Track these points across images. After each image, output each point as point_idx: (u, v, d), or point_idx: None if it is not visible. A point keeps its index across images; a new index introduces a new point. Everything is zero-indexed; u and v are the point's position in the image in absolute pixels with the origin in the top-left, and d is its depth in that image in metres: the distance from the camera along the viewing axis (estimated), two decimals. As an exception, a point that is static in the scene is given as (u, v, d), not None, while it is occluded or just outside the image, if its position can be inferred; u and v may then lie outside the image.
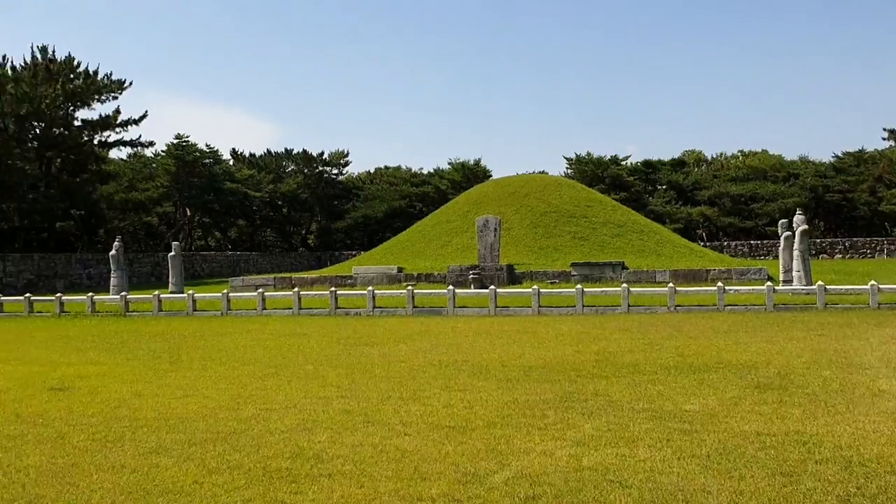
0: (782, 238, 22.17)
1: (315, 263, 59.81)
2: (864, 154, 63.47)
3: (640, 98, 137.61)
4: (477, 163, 69.13)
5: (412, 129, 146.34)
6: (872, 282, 18.34)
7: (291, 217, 69.24)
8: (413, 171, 75.21)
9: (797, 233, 21.34)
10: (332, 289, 21.58)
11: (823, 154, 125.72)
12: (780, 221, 23.02)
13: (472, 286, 25.14)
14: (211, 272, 52.14)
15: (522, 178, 41.96)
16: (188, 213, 58.87)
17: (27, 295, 24.53)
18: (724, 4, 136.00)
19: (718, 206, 64.64)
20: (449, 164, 71.07)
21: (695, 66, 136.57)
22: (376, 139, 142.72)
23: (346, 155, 70.62)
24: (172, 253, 28.52)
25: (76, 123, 45.51)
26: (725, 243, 59.01)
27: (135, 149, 50.94)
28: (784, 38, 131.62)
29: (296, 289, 22.14)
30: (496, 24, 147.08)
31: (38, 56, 43.91)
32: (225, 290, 22.88)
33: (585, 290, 19.66)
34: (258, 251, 63.57)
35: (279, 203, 66.02)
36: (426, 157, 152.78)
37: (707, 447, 5.99)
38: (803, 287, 20.02)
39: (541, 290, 19.65)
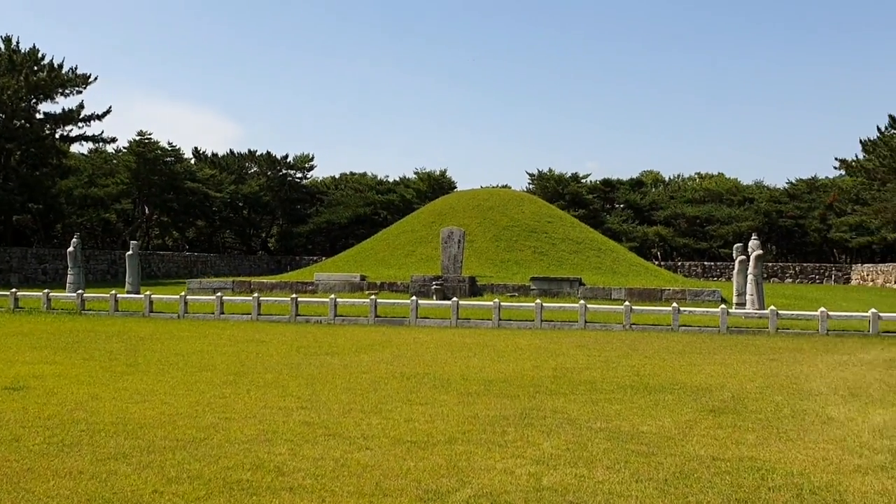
0: (737, 261, 22.58)
1: (275, 268, 59.33)
2: (817, 182, 65.08)
3: (602, 116, 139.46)
4: (443, 174, 69.41)
5: (379, 137, 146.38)
6: (822, 308, 18.75)
7: (252, 219, 68.62)
8: (379, 178, 75.19)
9: (752, 257, 21.75)
10: (293, 295, 21.41)
11: (778, 180, 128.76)
12: (736, 245, 23.44)
13: (435, 297, 25.17)
14: (167, 272, 51.39)
15: (486, 192, 42.21)
16: (147, 211, 58.00)
17: (-20, 289, 23.95)
18: (689, 28, 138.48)
19: (674, 226, 65.74)
20: (415, 173, 71.28)
21: (656, 88, 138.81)
22: (343, 145, 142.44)
23: (311, 159, 70.36)
24: (130, 252, 28.05)
25: (38, 116, 44.63)
26: (680, 263, 59.94)
27: (97, 144, 49.98)
28: (742, 67, 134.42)
29: (255, 294, 21.92)
30: (466, 36, 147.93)
31: (2, 46, 42.99)
32: (182, 293, 22.57)
33: (544, 304, 19.79)
34: (216, 253, 62.87)
35: (240, 204, 65.39)
36: (392, 166, 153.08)
37: (664, 471, 6.07)
38: (756, 311, 20.40)
39: (501, 304, 19.75)
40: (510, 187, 66.03)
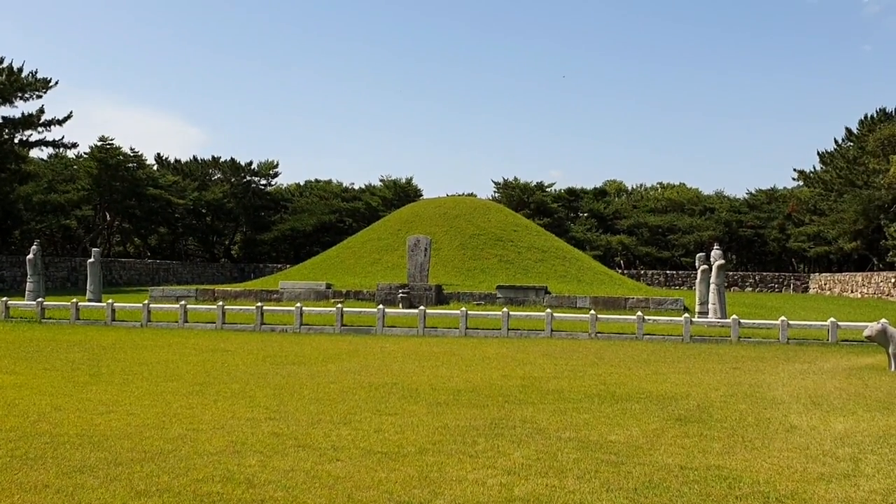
0: (699, 271, 22.89)
1: (238, 275, 58.79)
2: (776, 192, 66.24)
3: (566, 124, 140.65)
4: (409, 181, 69.41)
5: (344, 144, 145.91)
6: (783, 317, 19.09)
7: (215, 226, 67.88)
8: (344, 185, 74.91)
9: (714, 266, 22.07)
10: (258, 304, 21.27)
11: (738, 190, 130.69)
12: (698, 255, 23.77)
13: (401, 305, 25.15)
14: (129, 280, 50.68)
15: (453, 200, 42.34)
16: (108, 218, 57.15)
17: (-65, 297, 23.38)
18: (650, 37, 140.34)
19: (637, 235, 66.41)
20: (381, 181, 71.16)
21: (619, 97, 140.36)
22: (308, 152, 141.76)
23: (276, 165, 69.86)
24: (91, 259, 27.59)
25: (-4, 121, 43.80)
26: (643, 272, 60.54)
27: (57, 149, 49.33)
28: (704, 78, 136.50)
29: (220, 302, 21.74)
30: (428, 45, 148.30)
31: (-41, 49, 42.14)
32: (145, 301, 22.28)
33: (511, 313, 19.89)
34: (179, 260, 62.05)
35: (203, 211, 64.64)
36: (358, 173, 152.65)
37: (634, 480, 6.13)
38: (718, 320, 20.69)
39: (468, 312, 19.84)
40: (476, 196, 66.30)
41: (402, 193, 66.99)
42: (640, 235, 66.38)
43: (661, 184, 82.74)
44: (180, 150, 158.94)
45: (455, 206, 39.36)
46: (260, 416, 8.52)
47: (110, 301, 22.31)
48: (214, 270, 59.44)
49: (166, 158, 67.08)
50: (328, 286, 28.93)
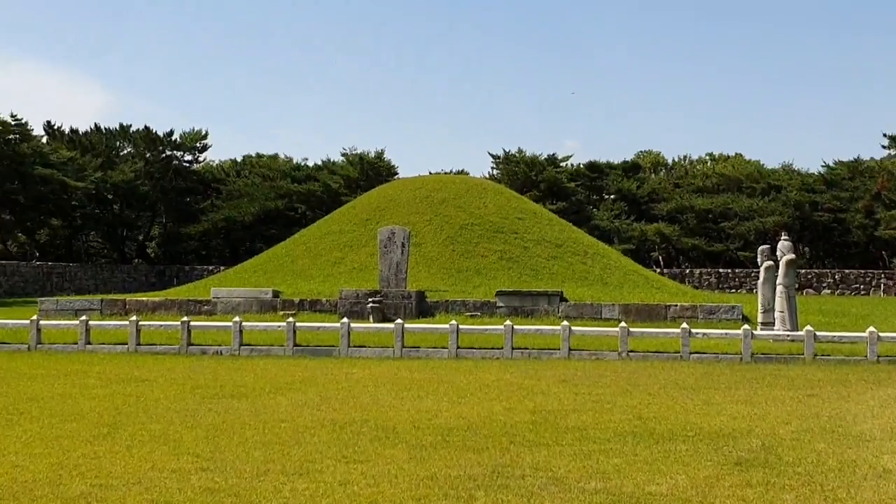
0: (763, 269, 22.99)
1: (157, 281, 58.69)
2: (860, 164, 66.30)
3: (585, 80, 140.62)
4: (379, 156, 69.44)
5: (294, 110, 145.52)
6: (871, 328, 19.20)
7: (125, 217, 67.66)
8: (295, 162, 74.90)
9: (781, 262, 22.17)
10: (184, 318, 21.23)
11: (811, 163, 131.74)
12: (761, 248, 23.86)
13: (372, 318, 25.12)
14: (11, 289, 50.47)
15: (438, 180, 42.33)
16: (-19, 207, 56.85)
17: None
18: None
19: (680, 223, 66.57)
20: (343, 155, 71.15)
21: (654, 45, 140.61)
22: (246, 119, 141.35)
23: (205, 136, 69.79)
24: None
25: None
26: (688, 270, 60.82)
27: None
28: (762, 27, 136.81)
29: (133, 317, 21.67)
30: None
31: None
32: (33, 317, 22.18)
33: (516, 327, 19.92)
34: (78, 262, 61.82)
35: (109, 197, 64.38)
36: (312, 146, 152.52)
37: (680, 544, 6.17)
38: (787, 332, 20.80)
39: (460, 326, 19.86)
40: (468, 174, 66.48)
41: (370, 172, 67.03)
42: (685, 223, 66.59)
43: (710, 155, 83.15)
44: (78, 118, 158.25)
45: (441, 187, 39.34)
46: (188, 465, 8.50)
47: (-14, 317, 22.22)
48: (125, 275, 59.28)
49: (59, 128, 66.83)
50: (276, 294, 28.87)
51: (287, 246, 38.37)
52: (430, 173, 59.53)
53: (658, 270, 54.96)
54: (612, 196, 70.89)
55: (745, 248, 62.51)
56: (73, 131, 67.24)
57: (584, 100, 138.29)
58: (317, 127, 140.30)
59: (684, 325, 19.65)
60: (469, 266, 32.50)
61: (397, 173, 68.88)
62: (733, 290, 57.24)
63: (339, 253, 34.74)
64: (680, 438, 10.01)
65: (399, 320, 20.35)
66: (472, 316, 26.53)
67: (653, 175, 77.16)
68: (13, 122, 56.15)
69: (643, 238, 65.10)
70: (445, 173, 62.73)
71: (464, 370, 16.87)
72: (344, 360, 18.86)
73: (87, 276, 55.95)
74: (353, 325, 20.42)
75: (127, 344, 20.64)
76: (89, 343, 20.88)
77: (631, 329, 19.72)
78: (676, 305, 27.02)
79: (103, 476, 8.09)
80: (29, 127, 58.07)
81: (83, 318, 21.62)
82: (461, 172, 67.82)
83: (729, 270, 60.65)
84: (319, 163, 72.83)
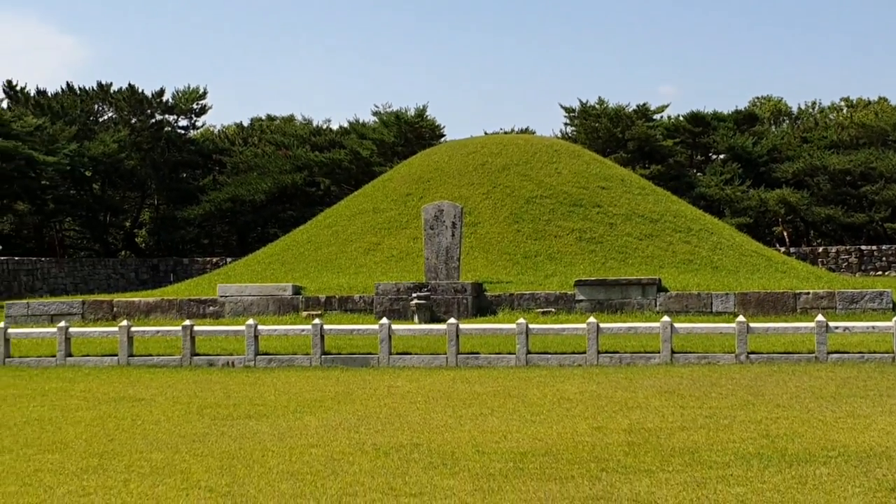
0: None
1: (149, 277, 59.33)
2: None
3: (680, 12, 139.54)
4: (420, 114, 69.28)
5: (314, 59, 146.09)
6: None
7: (108, 199, 68.31)
8: (316, 125, 75.20)
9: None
10: (186, 322, 21.35)
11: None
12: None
13: (418, 318, 25.16)
14: (-28, 290, 51.14)
15: (496, 142, 42.25)
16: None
17: None
18: None
19: (810, 188, 65.70)
20: (375, 115, 71.40)
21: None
22: (253, 73, 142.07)
23: (203, 96, 70.22)
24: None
25: None
26: (821, 249, 60.24)
27: None
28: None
29: (123, 322, 21.85)
30: None
31: None
32: (0, 324, 22.39)
33: (601, 325, 19.87)
34: (52, 256, 62.47)
35: (87, 174, 64.91)
36: (335, 106, 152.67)
37: None
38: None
39: (530, 326, 19.79)
40: (534, 132, 66.29)
41: (410, 134, 66.99)
42: (816, 188, 65.79)
43: (846, 101, 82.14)
44: (47, 76, 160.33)
45: (500, 151, 39.27)
46: (201, 503, 8.47)
47: (-56, 326, 22.47)
48: (110, 270, 59.95)
49: (23, 89, 67.62)
50: (297, 290, 28.96)
51: (308, 230, 38.54)
52: (486, 134, 59.52)
53: (783, 250, 54.54)
54: (721, 156, 70.27)
55: (893, 218, 61.67)
56: (41, 93, 68.00)
57: (681, 34, 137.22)
58: (341, 81, 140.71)
59: (819, 317, 19.41)
60: (539, 250, 32.41)
61: (444, 135, 68.85)
62: (880, 273, 56.56)
63: (374, 237, 34.80)
64: (819, 460, 9.87)
65: (452, 320, 20.32)
66: (544, 313, 26.45)
67: (773, 128, 76.36)
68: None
69: (762, 209, 64.33)
70: (505, 133, 62.54)
71: (537, 381, 16.86)
72: (384, 371, 18.99)
73: (63, 273, 56.56)
74: (394, 326, 20.44)
75: (116, 355, 20.85)
76: (70, 355, 21.13)
77: (751, 325, 19.54)
78: (808, 293, 26.80)
79: (92, 520, 8.09)
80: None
81: (62, 324, 21.80)
82: (525, 131, 67.66)
83: (874, 247, 59.92)
84: (346, 125, 72.93)
